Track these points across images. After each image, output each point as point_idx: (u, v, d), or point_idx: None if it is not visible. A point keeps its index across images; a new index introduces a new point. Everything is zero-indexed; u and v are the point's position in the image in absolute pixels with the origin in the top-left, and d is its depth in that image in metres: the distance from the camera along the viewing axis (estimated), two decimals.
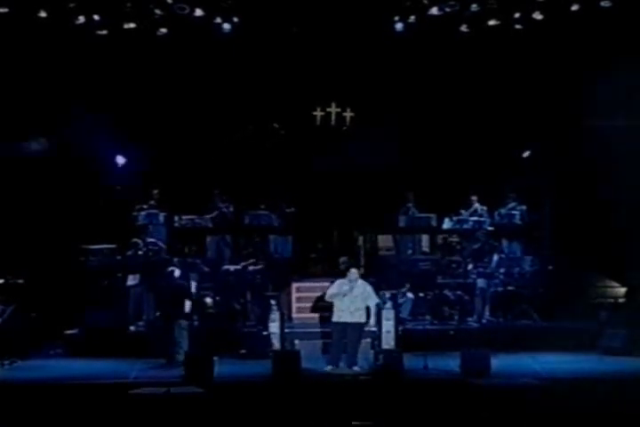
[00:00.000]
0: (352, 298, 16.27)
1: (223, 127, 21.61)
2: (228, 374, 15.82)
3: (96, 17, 19.19)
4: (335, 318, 16.38)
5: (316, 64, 20.72)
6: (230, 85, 20.89)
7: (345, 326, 16.25)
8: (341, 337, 16.27)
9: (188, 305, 16.84)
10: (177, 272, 17.27)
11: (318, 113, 22.01)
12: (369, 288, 16.53)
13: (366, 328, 16.50)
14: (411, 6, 19.70)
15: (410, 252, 20.56)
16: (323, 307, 17.50)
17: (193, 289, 18.01)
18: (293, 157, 21.61)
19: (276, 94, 21.19)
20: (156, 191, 20.28)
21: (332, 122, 22.02)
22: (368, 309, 16.38)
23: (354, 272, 16.47)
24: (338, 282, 16.51)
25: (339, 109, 21.99)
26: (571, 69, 19.97)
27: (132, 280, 18.61)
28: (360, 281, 16.49)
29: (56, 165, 20.33)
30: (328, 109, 21.99)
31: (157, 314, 18.08)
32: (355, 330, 16.26)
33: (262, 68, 20.67)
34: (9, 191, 19.88)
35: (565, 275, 19.58)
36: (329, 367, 16.18)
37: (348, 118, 22.03)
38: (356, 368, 16.18)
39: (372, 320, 16.47)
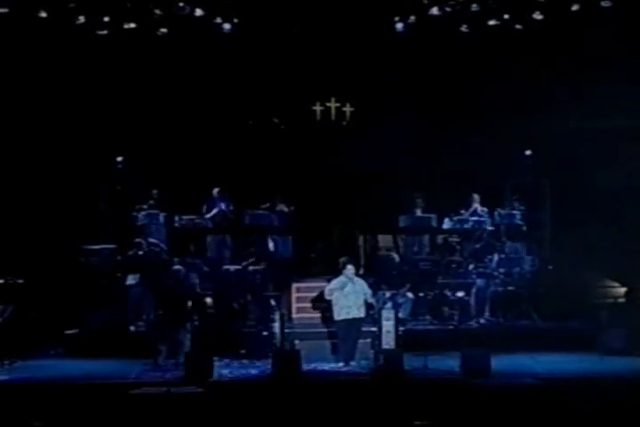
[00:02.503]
0: (356, 294, 16.55)
1: (223, 125, 21.58)
2: (228, 374, 15.83)
3: (96, 17, 19.20)
4: (342, 316, 16.55)
5: (316, 60, 20.73)
6: (230, 80, 20.88)
7: (352, 321, 16.48)
8: (349, 333, 16.45)
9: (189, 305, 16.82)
10: (183, 273, 17.27)
11: (318, 108, 22.00)
12: (361, 281, 16.81)
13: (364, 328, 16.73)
14: (411, 6, 19.71)
15: (413, 252, 20.54)
16: (321, 306, 17.53)
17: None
18: (293, 156, 21.59)
19: (275, 89, 21.20)
20: (155, 191, 20.27)
21: (332, 117, 22.03)
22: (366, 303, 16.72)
23: (350, 268, 16.69)
24: (336, 279, 16.68)
25: (338, 104, 21.99)
26: (570, 69, 20.00)
27: (131, 280, 18.58)
28: (356, 277, 16.75)
29: (56, 165, 20.35)
30: (327, 104, 21.99)
31: (159, 313, 18.03)
32: (359, 325, 16.56)
33: (262, 64, 20.67)
34: (9, 191, 19.88)
35: (565, 275, 19.57)
36: (341, 364, 16.31)
37: (347, 113, 22.03)
38: (353, 363, 16.37)
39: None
